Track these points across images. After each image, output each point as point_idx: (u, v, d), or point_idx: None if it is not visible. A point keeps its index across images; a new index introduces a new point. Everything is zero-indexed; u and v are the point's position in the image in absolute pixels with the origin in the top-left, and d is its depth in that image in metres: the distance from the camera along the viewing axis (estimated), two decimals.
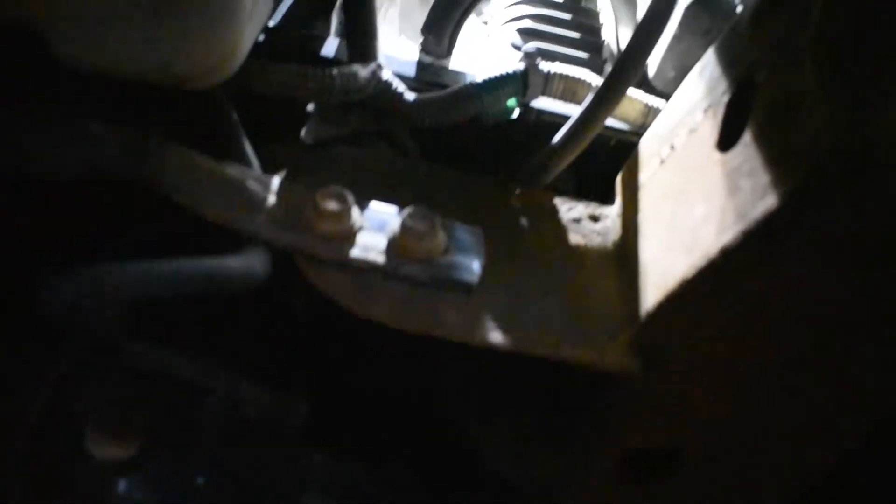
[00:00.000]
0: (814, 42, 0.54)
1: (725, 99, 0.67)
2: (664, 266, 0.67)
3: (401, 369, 0.85)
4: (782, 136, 0.56)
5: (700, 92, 0.72)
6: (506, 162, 0.97)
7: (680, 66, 0.98)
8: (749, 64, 0.65)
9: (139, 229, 0.76)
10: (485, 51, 1.25)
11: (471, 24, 1.06)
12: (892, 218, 0.51)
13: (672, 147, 0.74)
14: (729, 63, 0.70)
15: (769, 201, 0.55)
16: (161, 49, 0.64)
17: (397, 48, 1.39)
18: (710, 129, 0.68)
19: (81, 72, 0.65)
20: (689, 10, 0.94)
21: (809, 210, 0.53)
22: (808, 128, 0.52)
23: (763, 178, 0.56)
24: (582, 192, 0.99)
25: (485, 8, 1.50)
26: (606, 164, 0.92)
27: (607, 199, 0.87)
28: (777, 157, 0.56)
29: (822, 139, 0.50)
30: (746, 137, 0.61)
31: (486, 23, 1.47)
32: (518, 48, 1.19)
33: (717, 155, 0.65)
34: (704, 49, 0.77)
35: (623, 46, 1.15)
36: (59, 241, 0.74)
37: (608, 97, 0.81)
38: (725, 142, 0.65)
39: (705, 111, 0.70)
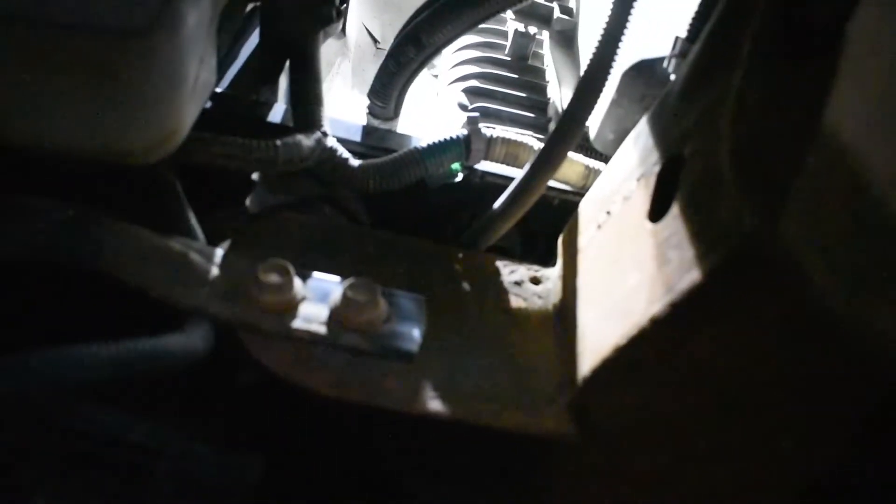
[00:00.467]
0: (730, 124, 0.57)
1: (656, 169, 0.70)
2: (600, 332, 0.69)
3: (346, 433, 0.85)
4: (706, 211, 0.58)
5: (634, 160, 0.75)
6: (453, 223, 0.99)
7: (618, 129, 1.01)
8: (677, 136, 0.68)
9: (77, 308, 0.76)
10: (433, 110, 1.27)
11: (420, 77, 1.09)
12: (800, 305, 0.53)
13: (608, 213, 0.76)
14: (660, 134, 0.72)
15: (694, 275, 0.57)
16: (102, 128, 0.64)
17: (348, 103, 1.41)
18: (642, 199, 0.70)
19: (22, 150, 0.65)
20: (625, 76, 0.97)
21: (729, 287, 0.55)
22: (728, 208, 0.55)
23: (689, 251, 0.58)
24: (527, 250, 1.02)
25: (435, 60, 1.53)
26: (551, 223, 0.94)
27: (551, 258, 0.89)
28: (701, 232, 0.58)
29: (739, 222, 0.53)
30: (674, 209, 0.63)
31: (435, 76, 1.50)
32: (465, 108, 1.22)
33: (648, 224, 0.67)
34: (641, 114, 0.80)
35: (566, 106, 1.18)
36: None
37: (548, 162, 0.83)
38: (656, 212, 0.67)
39: (638, 180, 0.73)
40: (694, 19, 0.84)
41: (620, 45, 0.77)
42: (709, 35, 0.69)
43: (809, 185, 0.47)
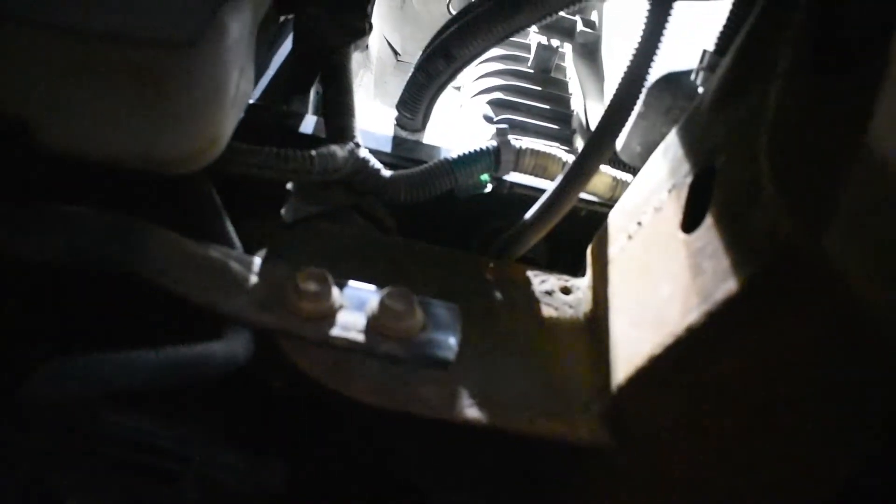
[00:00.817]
0: (768, 136, 0.57)
1: (688, 181, 0.71)
2: (633, 341, 0.70)
3: (372, 442, 0.86)
4: (741, 221, 0.59)
5: (664, 171, 0.76)
6: (481, 233, 1.00)
7: (645, 142, 1.02)
8: (709, 148, 0.69)
9: (123, 316, 0.77)
10: (458, 122, 1.28)
11: (444, 92, 1.10)
12: (839, 315, 0.53)
13: (639, 224, 0.77)
14: (690, 146, 0.73)
15: (730, 285, 0.58)
16: (145, 137, 0.66)
17: (371, 114, 1.43)
18: (674, 210, 0.71)
19: (65, 158, 0.66)
20: (652, 88, 0.98)
21: (766, 297, 0.55)
22: (766, 218, 0.55)
23: (724, 261, 0.59)
24: (554, 260, 1.02)
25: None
26: (578, 234, 0.95)
27: (578, 268, 0.90)
28: (737, 242, 0.59)
29: (778, 231, 0.53)
30: (708, 220, 0.64)
31: (458, 88, 1.51)
32: (490, 120, 1.23)
33: (681, 235, 0.68)
34: (668, 126, 0.81)
35: (590, 118, 1.19)
36: (44, 329, 0.75)
37: (579, 175, 0.84)
38: (689, 223, 0.68)
39: (669, 191, 0.73)
40: (722, 32, 0.85)
41: (655, 59, 0.78)
42: (740, 48, 0.70)
43: (853, 196, 0.47)
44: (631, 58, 0.79)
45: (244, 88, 0.74)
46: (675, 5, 0.77)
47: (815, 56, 0.57)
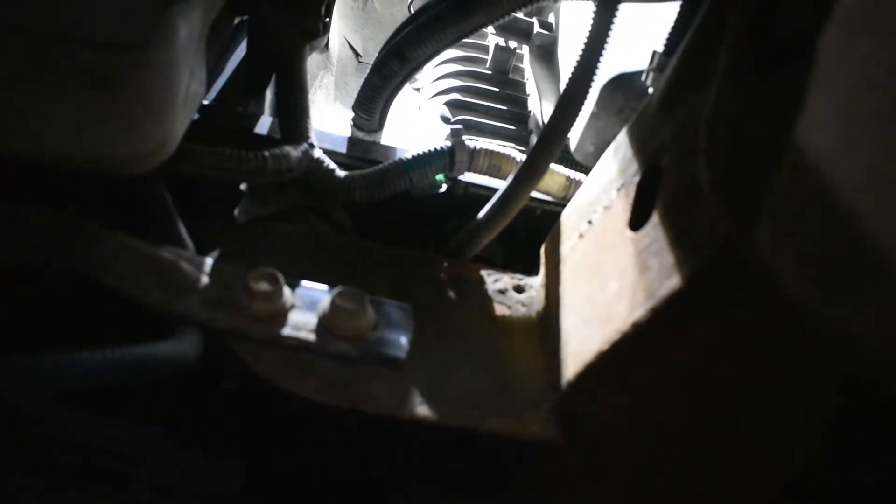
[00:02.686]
0: (706, 136, 0.59)
1: (636, 179, 0.72)
2: (583, 338, 0.71)
3: (330, 441, 0.87)
4: (684, 219, 0.61)
5: (614, 171, 0.77)
6: (437, 233, 1.01)
7: (598, 142, 1.03)
8: (656, 147, 0.70)
9: (73, 318, 0.77)
10: (416, 123, 1.29)
11: (402, 91, 1.10)
12: (775, 309, 0.55)
13: (590, 222, 0.78)
14: (639, 145, 0.74)
15: (674, 281, 0.59)
16: (95, 138, 0.65)
17: (331, 115, 1.43)
18: (622, 208, 0.72)
19: (12, 158, 0.66)
20: (604, 89, 1.00)
21: (707, 292, 0.57)
22: (704, 216, 0.57)
23: (668, 258, 0.61)
24: (510, 259, 1.03)
25: (417, 74, 1.55)
26: (533, 233, 0.96)
27: (533, 267, 0.91)
28: (680, 240, 0.60)
29: (716, 229, 0.55)
30: (654, 218, 0.65)
31: (417, 89, 1.52)
32: (448, 120, 1.24)
33: (628, 233, 0.69)
34: (620, 126, 0.82)
35: (546, 119, 1.21)
36: None
37: (530, 173, 0.85)
38: (636, 221, 0.69)
39: (619, 190, 0.75)
40: (671, 34, 0.87)
41: (601, 58, 0.79)
42: (685, 50, 0.71)
43: (782, 192, 0.49)
44: (579, 55, 0.80)
45: (195, 89, 0.74)
46: (622, 6, 0.78)
47: (751, 55, 0.58)
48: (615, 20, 0.78)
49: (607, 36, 0.79)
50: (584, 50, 0.80)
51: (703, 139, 0.59)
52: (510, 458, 0.77)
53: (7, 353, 0.60)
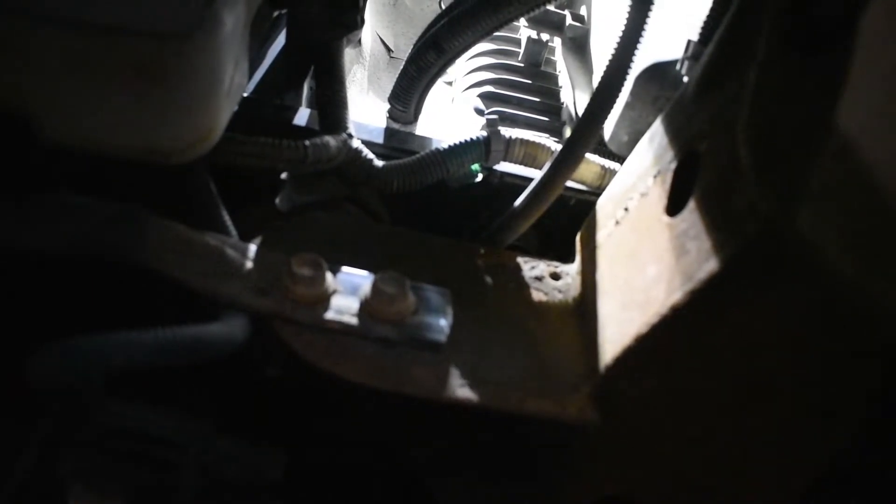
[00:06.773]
0: (746, 119, 0.59)
1: (673, 166, 0.72)
2: (621, 322, 0.71)
3: (373, 423, 0.88)
4: (723, 203, 0.61)
5: (650, 159, 0.77)
6: (472, 222, 1.02)
7: (632, 131, 1.04)
8: (693, 134, 0.70)
9: (123, 304, 0.79)
10: (449, 115, 1.30)
11: (435, 85, 1.12)
12: (817, 289, 0.55)
13: (626, 209, 0.79)
14: (675, 132, 0.75)
15: (712, 265, 0.59)
16: (142, 128, 0.68)
17: (364, 109, 1.44)
18: (659, 194, 0.73)
19: (64, 150, 0.68)
20: (639, 79, 1.00)
21: (747, 274, 0.57)
22: (745, 199, 0.57)
23: (707, 242, 0.61)
24: (544, 248, 1.04)
25: (448, 69, 1.56)
26: (567, 222, 0.97)
27: (567, 256, 0.92)
28: (719, 224, 0.61)
29: (756, 211, 0.55)
30: (691, 203, 0.66)
31: (449, 83, 1.53)
32: (481, 112, 1.25)
33: (666, 218, 0.70)
34: (655, 115, 0.82)
35: (580, 109, 1.21)
36: (47, 314, 0.77)
37: (566, 162, 0.86)
38: (673, 206, 0.70)
39: (655, 177, 0.75)
40: (706, 23, 0.87)
41: (637, 49, 0.80)
42: (721, 37, 0.72)
43: (825, 171, 0.49)
44: (615, 46, 0.80)
45: (239, 81, 0.76)
46: None
47: (792, 38, 0.58)
48: (651, 12, 0.79)
49: (644, 27, 0.79)
50: (620, 41, 0.80)
51: (744, 121, 0.59)
52: (549, 440, 0.78)
53: (55, 339, 0.62)
